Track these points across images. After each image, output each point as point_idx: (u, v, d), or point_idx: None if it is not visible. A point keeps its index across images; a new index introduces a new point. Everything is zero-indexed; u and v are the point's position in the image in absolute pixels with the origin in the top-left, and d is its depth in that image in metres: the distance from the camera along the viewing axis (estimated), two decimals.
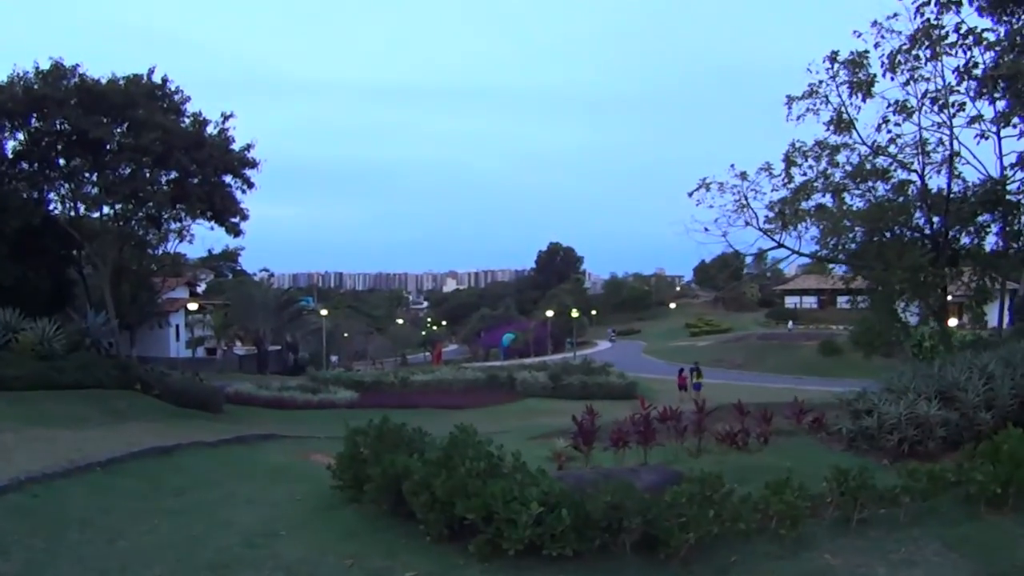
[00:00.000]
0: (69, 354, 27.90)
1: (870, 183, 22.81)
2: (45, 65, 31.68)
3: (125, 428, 21.12)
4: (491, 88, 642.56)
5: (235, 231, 36.85)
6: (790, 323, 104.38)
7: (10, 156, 33.20)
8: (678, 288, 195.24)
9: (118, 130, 32.38)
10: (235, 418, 30.62)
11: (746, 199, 23.54)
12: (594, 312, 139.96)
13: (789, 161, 23.41)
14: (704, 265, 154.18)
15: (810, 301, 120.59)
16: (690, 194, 23.57)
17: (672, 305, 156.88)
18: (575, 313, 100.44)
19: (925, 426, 13.42)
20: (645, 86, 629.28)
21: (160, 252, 44.62)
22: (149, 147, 31.00)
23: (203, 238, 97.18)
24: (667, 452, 15.51)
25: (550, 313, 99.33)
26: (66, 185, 34.43)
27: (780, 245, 24.27)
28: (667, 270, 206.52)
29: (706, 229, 23.51)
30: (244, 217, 36.83)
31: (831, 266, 29.54)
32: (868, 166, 22.61)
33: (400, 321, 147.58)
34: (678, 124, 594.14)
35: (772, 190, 23.58)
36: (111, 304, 34.38)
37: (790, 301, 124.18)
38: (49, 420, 20.41)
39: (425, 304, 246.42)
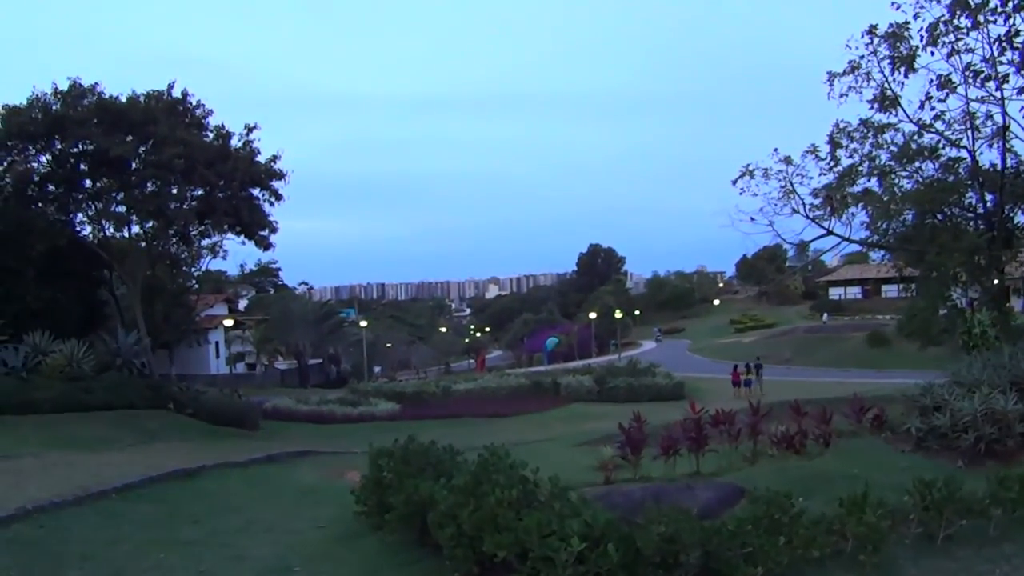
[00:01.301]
0: (99, 375, 27.40)
1: (917, 163, 21.63)
2: (64, 85, 31.29)
3: (152, 450, 20.49)
4: (527, 95, 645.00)
5: (265, 244, 36.05)
6: (824, 315, 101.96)
7: (36, 179, 32.63)
8: (720, 284, 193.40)
9: (142, 149, 31.81)
10: (271, 435, 29.92)
11: (791, 185, 22.44)
12: (637, 312, 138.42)
13: (834, 143, 22.26)
14: (746, 260, 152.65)
15: (855, 291, 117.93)
16: (734, 182, 22.58)
17: (715, 302, 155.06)
18: (619, 314, 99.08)
19: (1003, 422, 12.21)
20: (679, 86, 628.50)
21: (197, 270, 44.31)
22: (171, 163, 30.37)
23: (236, 253, 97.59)
24: (720, 458, 14.48)
25: (593, 315, 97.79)
26: (94, 206, 33.87)
27: (829, 232, 23.14)
28: (708, 267, 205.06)
29: (752, 219, 22.46)
30: (273, 230, 36.06)
31: (875, 254, 28.28)
32: (914, 145, 21.37)
33: (443, 329, 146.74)
34: (713, 122, 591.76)
35: (820, 174, 22.47)
36: (142, 323, 33.80)
37: (834, 292, 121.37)
38: (74, 443, 19.89)
39: (468, 311, 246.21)
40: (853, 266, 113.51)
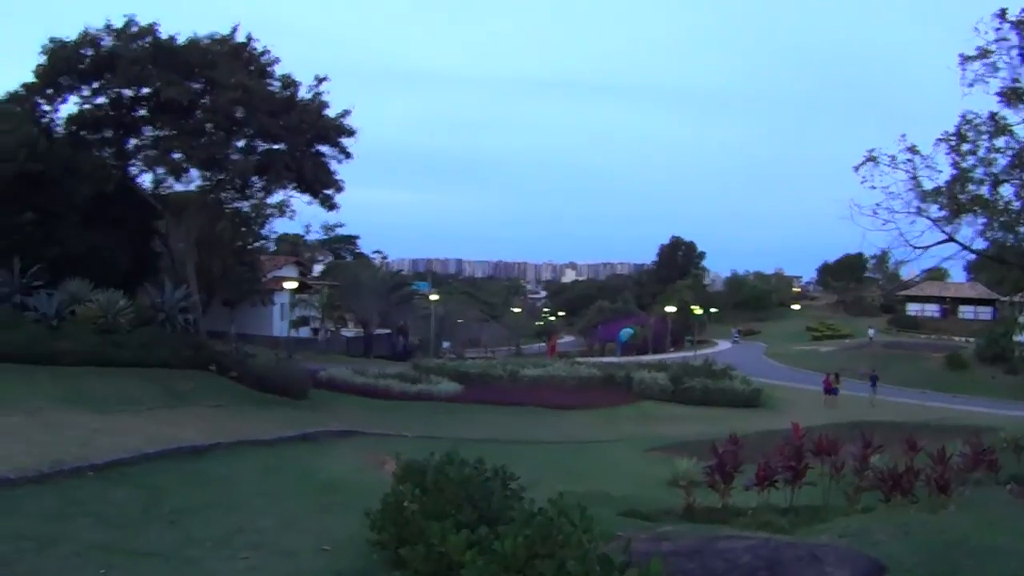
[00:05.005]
0: (135, 329, 25.42)
1: None
2: (119, 23, 29.68)
3: (172, 416, 18.59)
4: (615, 83, 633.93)
5: (330, 204, 34.05)
6: (871, 331, 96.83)
7: (89, 121, 30.96)
8: (796, 289, 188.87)
9: (204, 100, 29.97)
10: (319, 406, 27.84)
11: (917, 180, 19.75)
12: (713, 310, 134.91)
13: (961, 137, 19.55)
14: (828, 266, 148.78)
15: (933, 309, 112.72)
16: (856, 168, 20.11)
17: (795, 306, 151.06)
18: (697, 310, 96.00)
19: None
20: (772, 85, 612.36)
21: (270, 231, 43.12)
22: (227, 108, 28.38)
23: (307, 215, 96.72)
24: (817, 494, 12.51)
25: (671, 309, 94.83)
26: (149, 154, 32.08)
27: (951, 239, 20.43)
28: (785, 270, 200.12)
29: (875, 212, 19.75)
30: (339, 189, 34.00)
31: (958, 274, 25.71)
32: None
33: (517, 310, 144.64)
34: (803, 128, 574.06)
35: (950, 165, 19.80)
36: (193, 278, 32.00)
37: (912, 308, 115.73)
38: (86, 401, 18.22)
39: (543, 294, 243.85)
40: (933, 283, 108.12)
